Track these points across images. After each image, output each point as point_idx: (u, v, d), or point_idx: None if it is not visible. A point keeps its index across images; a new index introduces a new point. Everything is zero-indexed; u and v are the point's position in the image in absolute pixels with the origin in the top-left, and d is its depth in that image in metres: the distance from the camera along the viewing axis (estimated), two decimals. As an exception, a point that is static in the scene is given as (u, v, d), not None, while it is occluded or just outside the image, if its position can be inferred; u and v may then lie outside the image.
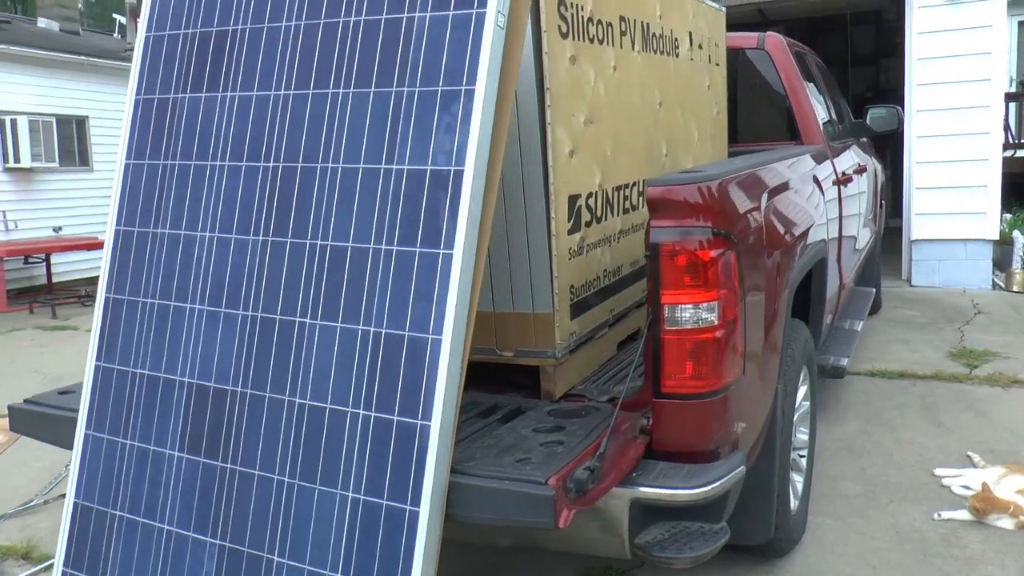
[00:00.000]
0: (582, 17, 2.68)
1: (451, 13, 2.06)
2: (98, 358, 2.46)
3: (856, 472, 4.04)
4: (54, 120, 10.82)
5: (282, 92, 2.26)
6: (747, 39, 4.65)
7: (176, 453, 2.28)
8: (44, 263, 10.51)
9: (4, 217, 10.38)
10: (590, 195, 2.76)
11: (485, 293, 2.66)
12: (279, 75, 2.27)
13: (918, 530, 3.48)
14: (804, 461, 3.66)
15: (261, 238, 2.23)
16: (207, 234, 2.32)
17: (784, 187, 3.09)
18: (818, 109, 4.70)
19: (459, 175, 1.99)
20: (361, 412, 2.03)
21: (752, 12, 9.45)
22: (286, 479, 2.10)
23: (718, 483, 2.34)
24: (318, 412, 2.09)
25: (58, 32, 13.59)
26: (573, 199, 2.65)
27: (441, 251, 1.99)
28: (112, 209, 2.50)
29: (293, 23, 2.27)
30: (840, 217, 4.38)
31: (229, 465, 2.19)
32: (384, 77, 2.12)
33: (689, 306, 2.34)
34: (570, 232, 2.64)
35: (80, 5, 18.75)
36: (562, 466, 2.01)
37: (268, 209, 2.23)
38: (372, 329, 2.05)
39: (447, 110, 2.03)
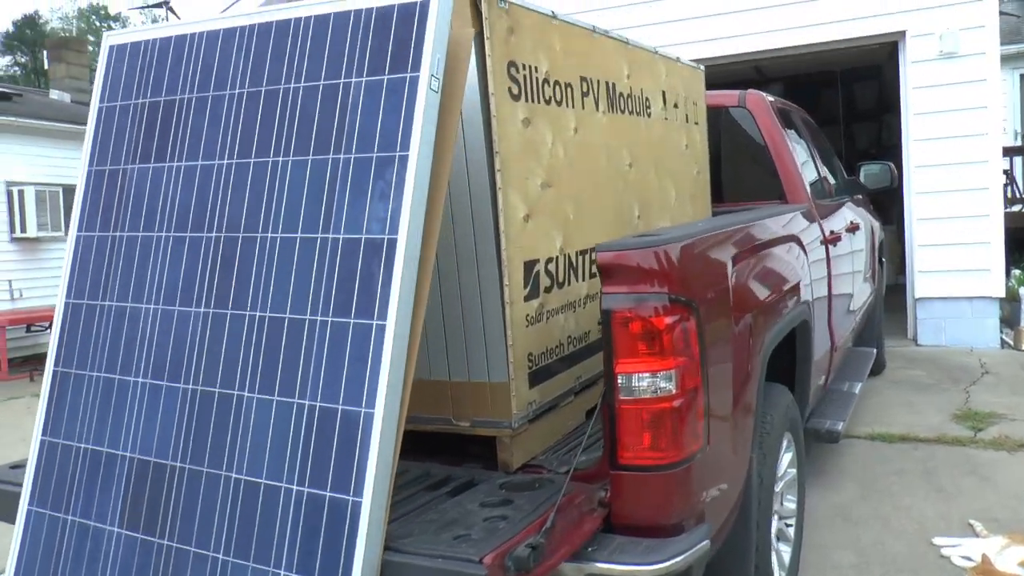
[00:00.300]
0: (536, 79, 2.67)
1: (385, 78, 2.04)
2: (43, 432, 2.42)
3: (850, 541, 3.89)
4: (60, 190, 10.99)
5: (225, 161, 2.24)
6: (728, 97, 4.64)
7: (115, 529, 2.21)
8: (47, 331, 10.57)
9: (10, 286, 10.47)
10: (550, 260, 2.71)
11: (440, 362, 2.60)
12: (223, 144, 2.26)
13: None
14: (792, 531, 3.53)
15: (203, 310, 2.19)
16: (152, 306, 2.28)
17: (755, 249, 3.03)
18: (804, 167, 4.66)
19: (392, 243, 1.95)
20: (295, 488, 1.96)
21: (749, 69, 9.51)
22: (220, 556, 2.03)
23: (679, 558, 2.23)
24: (253, 487, 2.02)
25: (69, 103, 13.91)
26: (530, 265, 2.60)
27: (374, 322, 1.94)
28: (63, 282, 2.47)
29: (237, 91, 2.27)
30: (829, 277, 4.31)
31: (166, 542, 2.12)
32: (322, 144, 2.10)
33: (645, 375, 2.27)
34: (527, 299, 2.58)
35: (90, 77, 19.23)
36: (501, 543, 1.92)
37: (210, 280, 2.20)
38: (307, 402, 1.99)
39: (382, 177, 2.00)
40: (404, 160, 1.97)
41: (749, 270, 2.88)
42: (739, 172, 4.77)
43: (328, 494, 1.91)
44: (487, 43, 2.39)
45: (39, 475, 2.39)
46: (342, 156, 2.06)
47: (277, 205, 2.13)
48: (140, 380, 2.25)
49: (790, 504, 3.57)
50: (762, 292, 2.95)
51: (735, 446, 2.68)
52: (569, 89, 2.90)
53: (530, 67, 2.64)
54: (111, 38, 2.54)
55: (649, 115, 3.58)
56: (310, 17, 2.19)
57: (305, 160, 2.11)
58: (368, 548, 1.85)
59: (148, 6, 13.80)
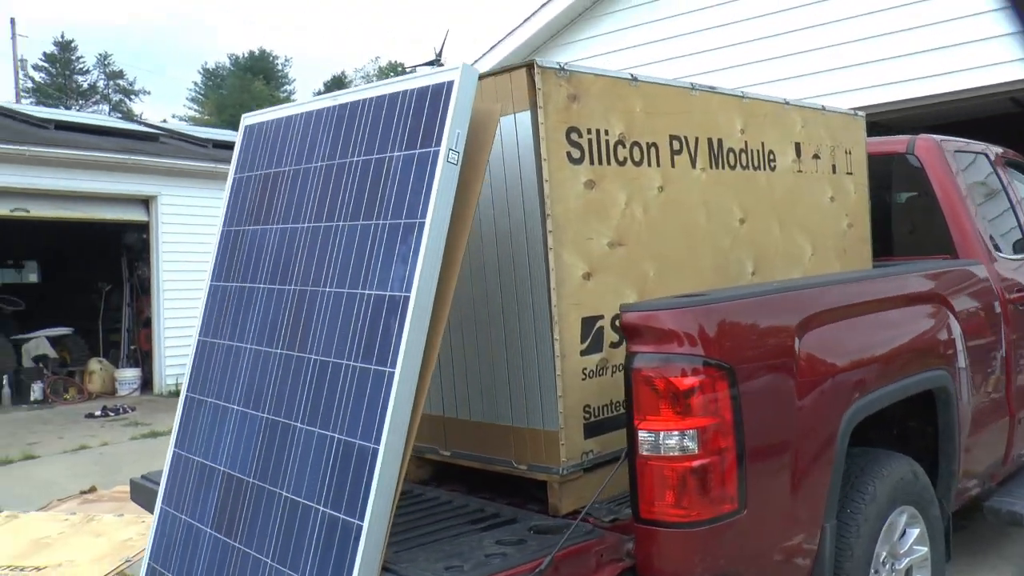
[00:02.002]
0: (606, 141, 2.80)
1: (416, 152, 2.31)
2: (176, 445, 2.92)
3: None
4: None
5: (305, 224, 2.62)
6: (896, 144, 4.39)
7: (208, 529, 2.63)
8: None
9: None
10: (617, 317, 2.81)
11: (505, 407, 2.79)
12: (306, 209, 2.64)
13: None
14: (918, 615, 3.27)
15: (281, 351, 2.58)
16: (248, 345, 2.71)
17: (845, 311, 2.90)
18: (986, 218, 4.27)
19: (406, 301, 2.20)
20: (322, 509, 2.26)
21: (1005, 101, 8.64)
22: (269, 560, 2.37)
23: (688, 617, 2.25)
24: (295, 505, 2.34)
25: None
26: (590, 320, 2.72)
27: (387, 369, 2.19)
28: (198, 322, 2.99)
29: (318, 164, 2.65)
30: (1004, 339, 3.92)
31: (239, 544, 2.50)
32: (368, 211, 2.41)
33: (666, 433, 2.32)
34: (585, 353, 2.70)
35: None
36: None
37: (287, 325, 2.58)
38: (338, 436, 2.28)
39: (405, 241, 2.26)
40: (422, 227, 2.22)
41: (830, 334, 2.76)
42: (910, 224, 4.47)
43: (342, 517, 2.19)
44: (540, 112, 2.59)
45: (169, 480, 2.89)
46: (379, 222, 2.35)
47: (333, 263, 2.46)
48: (236, 407, 2.68)
49: (917, 586, 3.30)
50: (850, 357, 2.82)
51: (794, 514, 2.60)
52: (653, 149, 2.99)
53: (597, 131, 2.78)
54: (246, 119, 3.05)
55: (772, 168, 3.53)
56: (371, 99, 2.52)
57: (356, 225, 2.43)
58: (364, 566, 2.10)
59: (425, 63, 15.21)
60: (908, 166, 4.42)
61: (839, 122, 4.00)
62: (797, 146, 3.69)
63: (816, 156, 3.81)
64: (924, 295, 3.38)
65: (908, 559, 3.27)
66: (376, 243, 2.35)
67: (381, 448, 2.14)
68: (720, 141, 3.28)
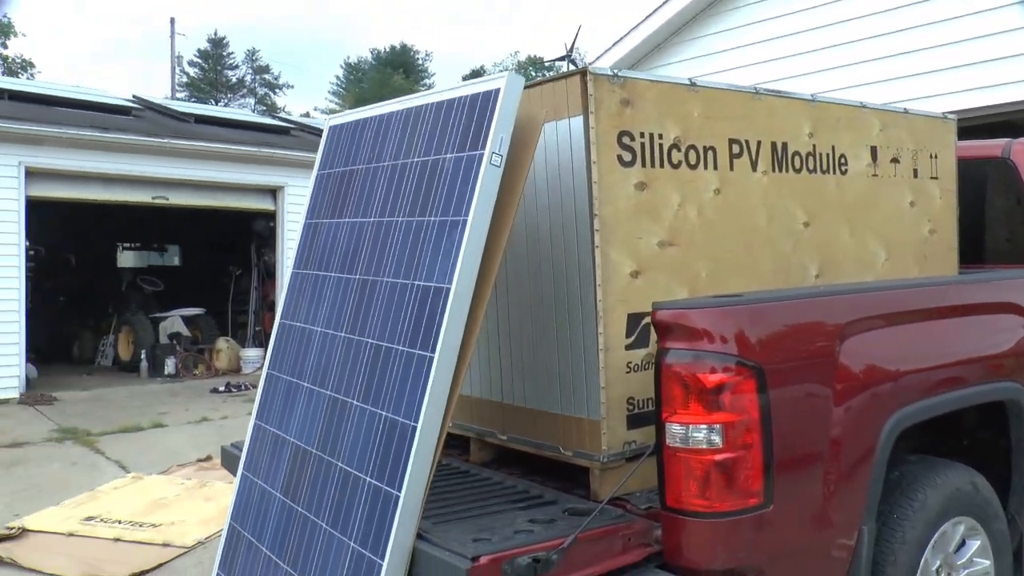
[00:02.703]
0: (660, 145, 2.90)
1: (465, 154, 2.49)
2: (256, 418, 3.22)
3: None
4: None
5: (372, 219, 2.85)
6: (990, 148, 4.26)
7: (278, 494, 2.90)
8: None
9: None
10: (666, 314, 2.90)
11: (555, 396, 2.93)
12: (373, 205, 2.87)
13: None
14: (979, 628, 3.23)
15: (345, 335, 2.81)
16: (319, 328, 2.96)
17: (896, 317, 2.90)
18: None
19: (447, 292, 2.38)
20: (369, 479, 2.48)
21: None
22: (324, 524, 2.61)
23: (706, 607, 2.34)
24: (347, 476, 2.57)
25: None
26: (637, 317, 2.83)
27: (428, 354, 2.39)
28: (279, 307, 3.27)
29: (388, 163, 2.87)
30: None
31: (301, 509, 2.76)
32: (423, 207, 2.61)
33: (691, 427, 2.42)
34: (630, 347, 2.82)
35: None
36: (506, 550, 2.25)
37: (350, 311, 2.81)
38: (384, 413, 2.50)
39: (450, 236, 2.45)
40: (464, 224, 2.40)
41: (874, 340, 2.77)
42: (1007, 231, 4.32)
43: (384, 487, 2.40)
44: (592, 116, 2.72)
45: (249, 448, 3.19)
46: (431, 218, 2.55)
47: (390, 255, 2.67)
48: (305, 384, 2.94)
49: (982, 599, 3.25)
50: (896, 365, 2.82)
51: (827, 514, 2.63)
52: (711, 152, 3.06)
53: (651, 135, 2.88)
54: (330, 121, 3.31)
55: (844, 172, 3.53)
56: (432, 104, 2.72)
57: (411, 220, 2.63)
58: (399, 533, 2.30)
59: (558, 59, 15.42)
60: (1005, 170, 4.29)
61: (924, 125, 3.93)
62: (873, 150, 3.66)
63: (895, 160, 3.77)
64: (995, 305, 3.31)
65: (966, 571, 3.23)
66: (426, 237, 2.55)
67: (419, 426, 2.34)
68: (785, 145, 3.31)
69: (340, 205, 3.07)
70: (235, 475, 3.42)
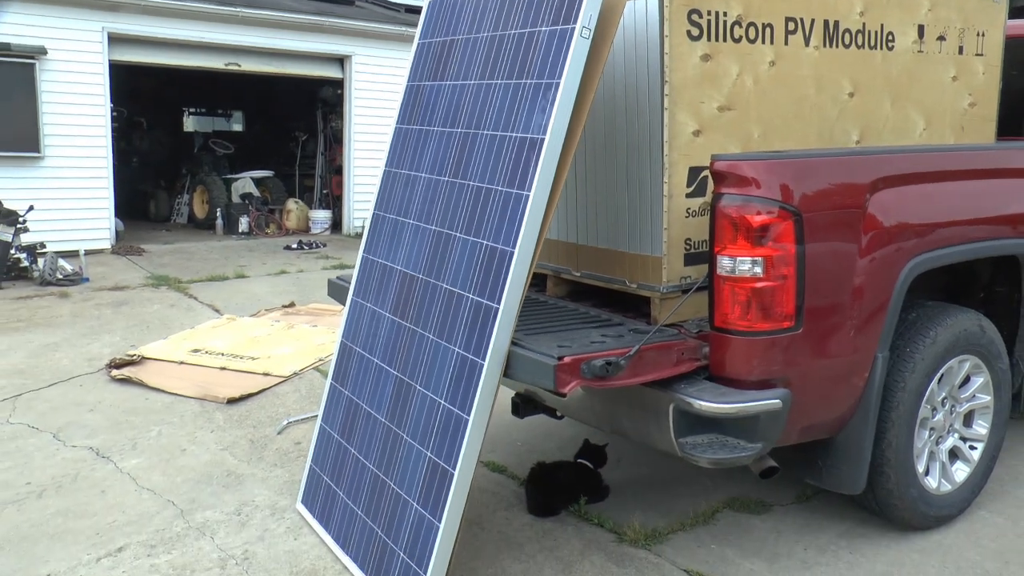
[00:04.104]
0: (724, 22, 3.30)
1: (559, 28, 2.94)
2: (364, 251, 3.80)
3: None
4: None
5: (472, 82, 3.32)
6: (1038, 26, 4.53)
7: (387, 314, 3.51)
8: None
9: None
10: (721, 168, 3.37)
11: (623, 236, 3.45)
12: (472, 69, 3.33)
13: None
14: (976, 453, 3.78)
15: (448, 179, 3.34)
16: (422, 174, 3.49)
17: (920, 177, 3.33)
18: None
19: (541, 142, 2.88)
20: (471, 296, 3.05)
21: None
22: (430, 335, 3.21)
23: (741, 405, 2.92)
24: (451, 295, 3.15)
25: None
26: (696, 170, 3.30)
27: (524, 192, 2.91)
28: (385, 157, 3.80)
29: (487, 34, 3.31)
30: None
31: (409, 324, 3.36)
32: (520, 71, 3.07)
33: (738, 259, 2.93)
34: (690, 196, 3.31)
35: None
36: (584, 354, 2.82)
37: (453, 159, 3.33)
38: (485, 242, 3.04)
39: (545, 96, 2.92)
40: (557, 86, 2.87)
41: (899, 195, 3.22)
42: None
43: (484, 301, 2.97)
44: (666, -4, 3.12)
45: (358, 277, 3.79)
46: (527, 81, 3.01)
47: (490, 112, 3.16)
48: (411, 222, 3.49)
49: (980, 429, 3.79)
50: (916, 218, 3.27)
51: (848, 341, 3.15)
52: (769, 28, 3.45)
53: (717, 12, 3.28)
54: (429, -6, 3.74)
55: (890, 48, 3.88)
56: (528, -18, 3.14)
57: (509, 83, 3.11)
58: (498, 338, 2.88)
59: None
60: None
61: (974, 5, 4.21)
62: (920, 28, 3.99)
63: (941, 38, 4.09)
64: (1016, 171, 3.71)
65: (969, 404, 3.76)
66: (523, 97, 3.03)
67: (516, 251, 2.88)
68: (836, 23, 3.67)
69: (442, 69, 3.54)
70: (342, 302, 4.04)
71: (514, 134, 3.02)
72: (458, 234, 3.19)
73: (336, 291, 4.25)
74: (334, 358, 3.87)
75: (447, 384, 3.04)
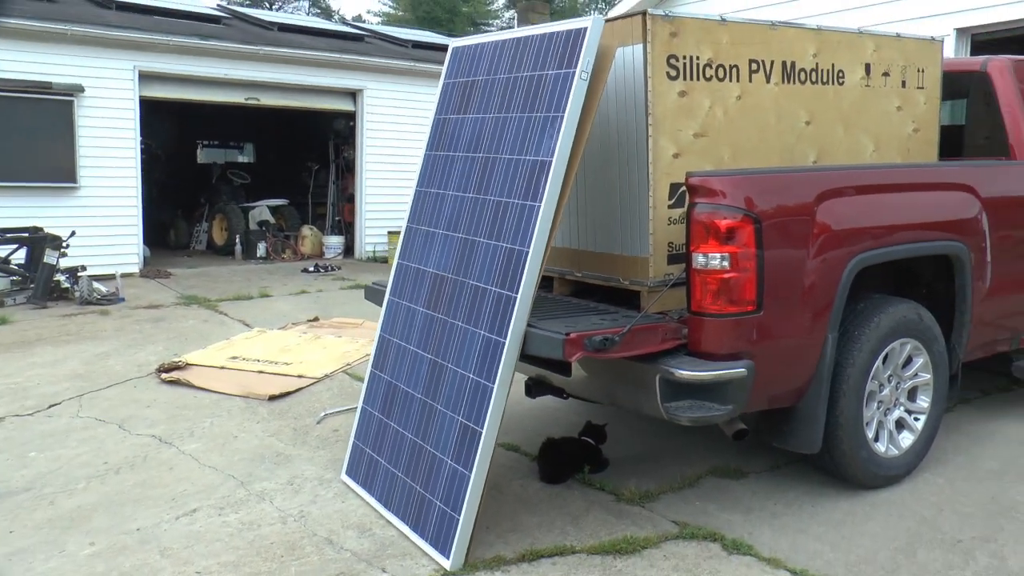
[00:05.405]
0: (697, 64, 4.02)
1: (562, 71, 3.66)
2: (399, 258, 4.51)
3: (999, 455, 4.62)
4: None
5: (491, 115, 4.05)
6: (971, 63, 5.27)
7: (420, 308, 4.20)
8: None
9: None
10: (696, 185, 4.08)
11: (617, 241, 4.15)
12: (491, 104, 4.06)
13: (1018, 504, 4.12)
14: (920, 424, 4.45)
15: (471, 195, 4.05)
16: (449, 192, 4.20)
17: (862, 189, 4.05)
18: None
19: (549, 163, 3.60)
20: (493, 288, 3.74)
21: None
22: (460, 323, 3.90)
23: (714, 373, 3.60)
24: (476, 289, 3.85)
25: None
26: (676, 186, 4.01)
27: (536, 203, 3.62)
28: (417, 178, 4.52)
29: (503, 76, 4.04)
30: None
31: (440, 315, 4.05)
32: (531, 106, 3.79)
33: (709, 255, 3.63)
34: (671, 207, 4.01)
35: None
36: (586, 331, 3.51)
37: (476, 179, 4.04)
38: (503, 244, 3.75)
39: (552, 125, 3.64)
40: (561, 118, 3.59)
41: (843, 205, 3.93)
42: (981, 132, 5.37)
43: (505, 292, 3.66)
44: (648, 44, 3.85)
45: (395, 280, 4.49)
46: (537, 114, 3.74)
47: (506, 139, 3.88)
48: (440, 231, 4.20)
49: (923, 403, 4.47)
50: (857, 223, 3.98)
51: (802, 322, 3.84)
52: (735, 69, 4.18)
53: (691, 57, 4.01)
54: (453, 44, 4.47)
55: (841, 83, 4.61)
56: (536, 35, 3.87)
57: (522, 116, 3.83)
58: (517, 320, 3.57)
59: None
60: (983, 81, 5.31)
61: (914, 46, 4.95)
62: (867, 66, 4.72)
63: (886, 74, 4.82)
64: (949, 184, 4.43)
65: (912, 381, 4.45)
66: (534, 127, 3.75)
67: (530, 250, 3.58)
68: (793, 63, 4.40)
69: (465, 105, 4.26)
70: (378, 304, 4.73)
71: (527, 157, 3.74)
72: (481, 239, 3.90)
73: (373, 295, 4.95)
74: (373, 349, 4.55)
75: (475, 361, 3.73)
